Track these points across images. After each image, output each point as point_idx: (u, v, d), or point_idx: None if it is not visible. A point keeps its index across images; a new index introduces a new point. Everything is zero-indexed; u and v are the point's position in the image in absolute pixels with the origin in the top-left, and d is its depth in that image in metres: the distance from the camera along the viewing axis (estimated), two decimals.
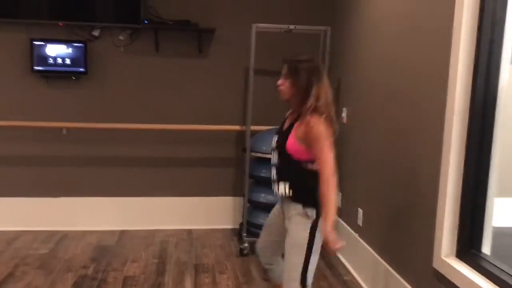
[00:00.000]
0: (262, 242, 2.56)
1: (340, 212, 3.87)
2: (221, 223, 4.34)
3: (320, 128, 2.16)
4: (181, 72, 4.17)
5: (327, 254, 2.25)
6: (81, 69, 3.99)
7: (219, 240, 4.06)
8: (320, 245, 2.23)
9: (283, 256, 2.39)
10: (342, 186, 3.80)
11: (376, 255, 3.12)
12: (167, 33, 4.06)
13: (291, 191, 2.27)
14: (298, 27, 3.70)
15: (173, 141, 4.24)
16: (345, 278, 3.41)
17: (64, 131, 4.07)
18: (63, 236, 4.00)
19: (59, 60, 3.95)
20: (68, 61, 3.96)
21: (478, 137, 2.17)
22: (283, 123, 2.41)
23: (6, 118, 3.96)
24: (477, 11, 2.13)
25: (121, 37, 4.06)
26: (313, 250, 2.23)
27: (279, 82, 2.33)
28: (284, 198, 2.33)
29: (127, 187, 4.23)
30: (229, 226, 4.33)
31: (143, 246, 3.88)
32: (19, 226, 4.08)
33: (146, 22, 3.94)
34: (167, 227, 4.26)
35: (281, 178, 2.31)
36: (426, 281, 2.44)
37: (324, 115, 2.20)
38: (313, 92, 2.22)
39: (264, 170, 3.78)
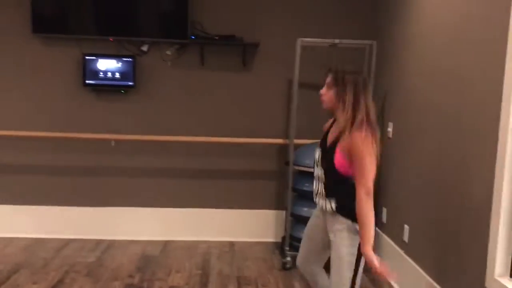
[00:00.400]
0: (303, 256, 2.53)
1: (384, 228, 3.82)
2: (263, 236, 4.34)
3: (365, 143, 2.14)
4: (226, 85, 4.24)
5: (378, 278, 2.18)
6: (130, 83, 4.11)
7: (261, 253, 4.07)
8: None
9: (325, 269, 2.36)
10: (387, 201, 3.78)
11: (422, 272, 3.04)
12: (212, 48, 4.14)
13: (337, 207, 2.25)
14: (344, 41, 3.71)
15: (218, 153, 4.30)
16: None
17: (113, 143, 4.19)
18: (109, 245, 4.11)
19: (109, 74, 4.09)
20: (117, 75, 4.10)
21: None
22: (325, 135, 2.39)
23: (59, 130, 4.11)
24: None
25: (168, 52, 4.17)
26: (360, 266, 2.21)
27: (322, 91, 2.32)
28: (329, 212, 2.31)
29: (172, 198, 4.31)
30: (271, 240, 4.34)
31: (187, 257, 3.93)
32: (68, 234, 4.22)
33: (192, 37, 4.03)
34: (209, 238, 4.31)
35: (328, 194, 2.29)
36: None
37: (371, 130, 2.18)
38: (362, 105, 2.20)
39: (307, 184, 3.77)
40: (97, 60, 4.07)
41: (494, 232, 2.25)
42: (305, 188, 3.79)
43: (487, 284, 2.29)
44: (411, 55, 3.40)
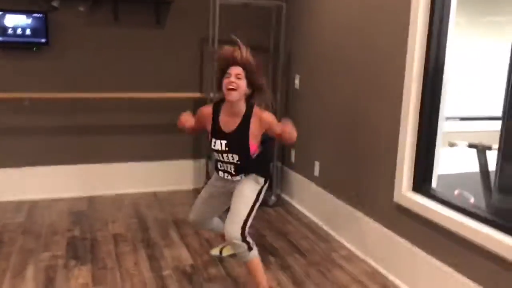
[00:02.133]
0: (199, 215, 2.85)
1: (294, 166, 4.42)
2: (184, 185, 4.67)
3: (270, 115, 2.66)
4: (140, 42, 4.36)
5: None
6: (42, 40, 4.02)
7: (185, 199, 4.41)
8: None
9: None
10: (297, 143, 4.35)
11: (334, 198, 3.70)
12: (125, 5, 4.21)
13: (253, 174, 2.67)
14: (257, 1, 4.08)
15: (133, 108, 4.45)
16: (305, 220, 3.98)
17: (26, 102, 4.10)
18: (31, 206, 4.10)
19: (19, 31, 3.95)
20: (28, 32, 3.98)
21: (430, 98, 2.77)
22: (215, 123, 2.64)
23: None
24: None
25: (81, 8, 4.14)
26: (255, 209, 2.64)
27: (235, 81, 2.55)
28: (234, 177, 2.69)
29: (90, 155, 4.39)
30: (192, 187, 4.69)
31: (116, 208, 4.12)
32: None
33: None
34: (132, 191, 4.51)
35: (241, 171, 2.66)
36: (389, 213, 3.05)
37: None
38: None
39: None
40: (4, 16, 3.90)
41: (400, 159, 2.91)
42: None
43: (395, 199, 2.97)
44: (317, 14, 3.91)
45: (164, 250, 3.31)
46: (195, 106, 4.54)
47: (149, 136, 4.54)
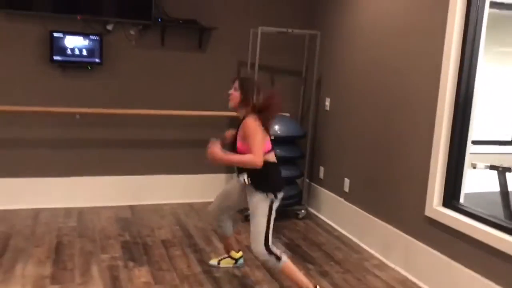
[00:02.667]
0: (217, 205, 3.20)
1: (323, 183, 4.75)
2: None
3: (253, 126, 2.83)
4: (183, 64, 4.72)
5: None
6: (97, 60, 4.39)
7: None
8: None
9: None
10: (324, 161, 4.69)
11: (364, 212, 4.02)
12: (172, 30, 4.59)
13: (249, 179, 2.89)
14: (295, 30, 4.47)
15: (174, 125, 4.79)
16: (335, 233, 4.29)
17: (78, 116, 4.44)
18: (80, 212, 4.41)
19: (77, 51, 4.32)
20: (84, 52, 4.34)
21: (460, 124, 3.12)
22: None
23: (25, 104, 4.24)
24: (463, 23, 3.06)
25: (132, 32, 4.52)
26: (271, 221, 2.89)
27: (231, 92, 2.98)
28: (246, 186, 2.94)
29: (134, 167, 4.71)
30: None
31: (158, 217, 4.44)
32: (37, 204, 4.41)
33: (159, 20, 4.44)
34: (170, 201, 4.83)
35: (241, 169, 2.93)
36: (420, 226, 3.37)
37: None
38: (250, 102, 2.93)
39: None
40: (64, 37, 4.27)
41: (432, 177, 3.25)
42: None
43: (426, 212, 3.30)
44: (349, 44, 4.29)
45: (211, 255, 3.62)
46: (230, 123, 4.92)
47: (187, 150, 4.87)
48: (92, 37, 4.34)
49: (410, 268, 3.45)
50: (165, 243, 3.82)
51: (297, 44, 4.88)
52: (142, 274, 3.25)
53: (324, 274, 3.45)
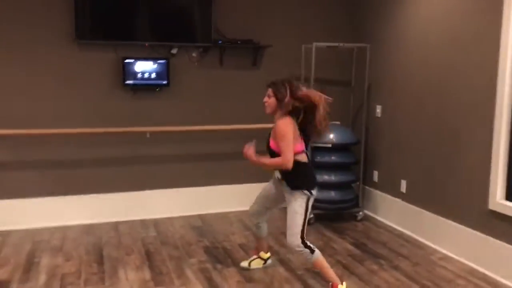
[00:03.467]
0: (257, 207, 3.50)
1: (377, 186, 5.03)
2: None
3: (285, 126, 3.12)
4: (239, 81, 5.07)
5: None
6: (164, 82, 4.76)
7: (277, 214, 5.03)
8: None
9: None
10: (377, 166, 4.98)
11: (424, 211, 4.30)
12: (228, 50, 4.95)
13: (281, 175, 3.18)
14: (346, 44, 4.80)
15: (235, 138, 5.11)
16: (396, 232, 4.57)
17: (148, 135, 4.81)
18: (155, 223, 4.76)
19: (146, 75, 4.70)
20: (153, 75, 4.72)
21: None
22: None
23: (101, 126, 4.62)
24: None
25: (194, 54, 4.89)
26: (307, 217, 3.16)
27: (265, 99, 3.28)
28: (280, 181, 3.24)
29: (199, 178, 5.06)
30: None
31: (227, 224, 4.77)
32: (113, 218, 4.78)
33: (219, 42, 4.80)
34: (233, 209, 5.14)
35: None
36: (484, 219, 3.64)
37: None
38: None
39: (318, 157, 4.83)
40: (134, 63, 4.65)
41: (494, 172, 3.52)
42: (318, 160, 4.83)
43: (490, 206, 3.57)
44: (398, 53, 4.60)
45: (289, 256, 3.93)
46: None
47: (246, 161, 5.19)
48: (160, 61, 4.72)
49: (477, 259, 3.72)
50: (242, 247, 4.14)
51: (345, 56, 5.21)
52: (232, 275, 3.57)
53: (396, 267, 3.73)
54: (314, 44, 4.69)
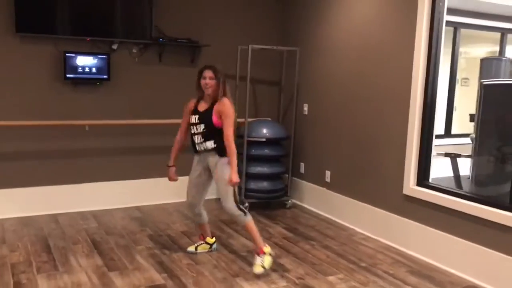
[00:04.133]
0: (191, 199, 3.80)
1: (304, 176, 5.53)
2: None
3: (230, 107, 3.58)
4: (178, 77, 5.31)
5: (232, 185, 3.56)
6: (105, 76, 4.88)
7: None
8: None
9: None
10: (303, 158, 5.49)
11: (347, 197, 4.85)
12: (168, 48, 5.18)
13: (215, 145, 3.59)
14: (279, 47, 5.24)
15: (173, 133, 5.35)
16: (321, 217, 5.09)
17: (87, 128, 4.89)
18: (95, 214, 4.87)
19: (87, 69, 4.79)
20: (94, 70, 4.82)
21: (428, 120, 4.03)
22: (195, 108, 3.71)
23: (41, 119, 4.64)
24: (427, 40, 3.97)
25: (134, 50, 5.05)
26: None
27: (209, 81, 3.57)
28: (208, 152, 3.63)
29: (137, 171, 5.23)
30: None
31: (166, 214, 5.00)
32: (56, 210, 4.81)
33: (160, 40, 5.01)
34: (173, 200, 5.37)
35: (206, 139, 3.61)
36: (399, 203, 4.24)
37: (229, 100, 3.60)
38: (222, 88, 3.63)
39: (253, 150, 5.22)
40: (76, 57, 4.72)
41: (408, 162, 4.13)
42: (252, 153, 5.22)
43: (404, 191, 4.18)
44: (324, 57, 5.12)
45: (230, 240, 4.28)
46: None
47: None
48: (101, 56, 4.83)
49: (392, 237, 4.32)
50: (185, 233, 4.42)
51: (276, 58, 5.65)
52: (181, 258, 3.85)
53: (325, 247, 4.22)
54: (250, 46, 5.07)
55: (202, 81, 3.61)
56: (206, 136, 3.63)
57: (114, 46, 4.94)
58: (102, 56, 4.84)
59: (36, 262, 3.66)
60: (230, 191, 3.59)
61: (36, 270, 3.52)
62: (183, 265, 3.72)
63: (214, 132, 3.60)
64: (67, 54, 4.67)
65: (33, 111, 4.64)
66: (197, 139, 3.67)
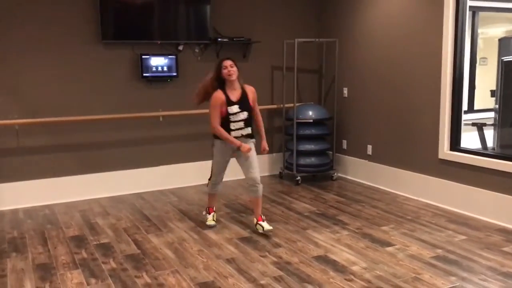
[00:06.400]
0: (220, 180, 4.43)
1: (346, 152, 6.30)
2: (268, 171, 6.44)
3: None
4: None
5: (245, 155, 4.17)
6: (174, 74, 5.70)
7: (272, 180, 6.17)
8: None
9: None
10: (345, 135, 6.25)
11: (387, 166, 5.61)
12: (224, 46, 5.97)
13: (252, 128, 4.23)
14: (321, 39, 6.00)
15: None
16: (365, 185, 5.86)
17: (161, 118, 5.73)
18: (171, 192, 5.70)
19: (159, 68, 5.61)
20: (165, 69, 5.64)
21: (457, 90, 4.76)
22: (228, 99, 4.14)
23: (122, 112, 5.49)
24: (454, 25, 4.70)
25: (196, 50, 5.86)
26: None
27: (233, 69, 4.13)
28: (245, 137, 4.18)
29: (206, 153, 6.05)
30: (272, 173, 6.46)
31: (231, 189, 5.81)
32: (140, 189, 5.67)
33: (218, 39, 5.81)
34: (232, 178, 6.18)
35: (248, 125, 4.19)
36: (435, 166, 4.99)
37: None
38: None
39: (301, 130, 6.00)
40: (150, 58, 5.55)
41: (442, 131, 4.87)
42: (301, 133, 6.00)
43: (440, 156, 4.92)
44: (361, 45, 5.86)
45: (293, 200, 5.08)
46: (268, 114, 6.37)
47: None
48: (170, 56, 5.65)
49: (430, 196, 5.07)
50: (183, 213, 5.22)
51: (316, 49, 6.41)
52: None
53: (374, 207, 5.00)
54: (296, 40, 5.84)
55: (225, 71, 4.08)
56: (247, 122, 4.17)
57: (180, 47, 5.76)
58: (171, 57, 5.66)
59: (142, 226, 4.51)
60: (257, 165, 4.21)
61: (145, 231, 4.37)
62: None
63: (251, 117, 4.23)
64: (143, 56, 5.50)
65: (117, 106, 5.49)
66: (238, 125, 4.14)
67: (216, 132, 4.22)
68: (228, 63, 4.12)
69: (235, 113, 4.14)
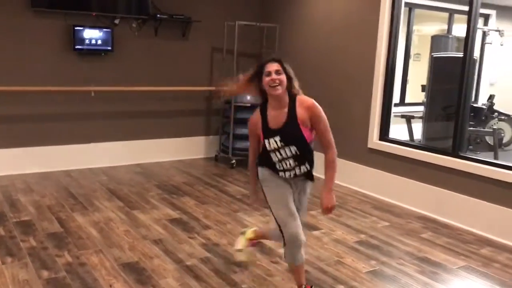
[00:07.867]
0: (295, 224, 2.62)
1: None
2: (200, 154, 6.39)
3: (320, 108, 2.64)
4: (171, 49, 5.98)
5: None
6: (109, 48, 5.49)
7: (206, 162, 6.14)
8: None
9: None
10: None
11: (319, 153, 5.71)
12: (163, 23, 5.82)
13: (309, 167, 2.71)
14: (262, 24, 5.98)
15: (166, 98, 6.05)
16: None
17: (92, 93, 5.51)
18: (101, 171, 5.54)
19: (93, 41, 5.38)
20: (99, 42, 5.42)
21: (389, 83, 4.93)
22: (265, 123, 2.62)
23: (51, 85, 5.22)
24: (389, 19, 4.84)
25: (133, 25, 5.67)
26: None
27: (279, 77, 2.57)
28: (298, 178, 2.71)
29: (137, 132, 5.91)
30: (206, 156, 6.43)
31: (164, 169, 5.73)
32: (68, 166, 5.46)
33: (157, 15, 5.65)
34: (167, 159, 6.10)
35: (302, 163, 2.66)
36: (364, 155, 5.15)
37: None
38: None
39: (238, 114, 6.00)
40: (83, 30, 5.30)
41: (372, 121, 5.03)
42: (238, 116, 5.99)
43: (369, 145, 5.09)
44: (302, 32, 5.92)
45: (227, 183, 5.08)
46: (206, 97, 6.32)
47: (174, 118, 6.17)
48: (105, 29, 5.43)
49: (358, 184, 5.24)
50: (186, 184, 5.18)
51: (256, 33, 6.39)
52: (188, 200, 4.62)
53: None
54: (237, 22, 5.79)
55: (267, 79, 2.56)
56: (300, 160, 2.65)
57: (116, 21, 5.55)
58: (107, 30, 5.44)
59: (67, 204, 4.34)
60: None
61: (70, 210, 4.21)
62: (192, 205, 4.50)
63: (307, 151, 2.66)
64: (75, 28, 5.25)
65: (45, 78, 5.21)
66: (286, 165, 2.65)
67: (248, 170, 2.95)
68: (273, 67, 2.60)
69: (276, 149, 2.63)
